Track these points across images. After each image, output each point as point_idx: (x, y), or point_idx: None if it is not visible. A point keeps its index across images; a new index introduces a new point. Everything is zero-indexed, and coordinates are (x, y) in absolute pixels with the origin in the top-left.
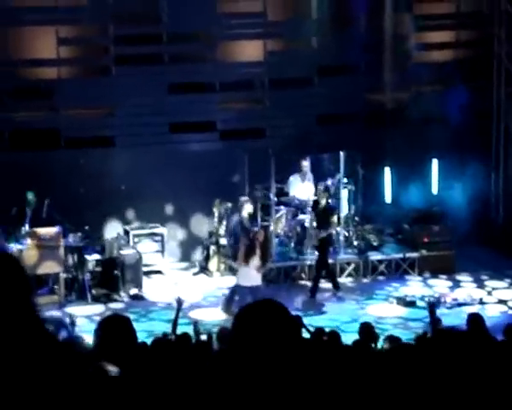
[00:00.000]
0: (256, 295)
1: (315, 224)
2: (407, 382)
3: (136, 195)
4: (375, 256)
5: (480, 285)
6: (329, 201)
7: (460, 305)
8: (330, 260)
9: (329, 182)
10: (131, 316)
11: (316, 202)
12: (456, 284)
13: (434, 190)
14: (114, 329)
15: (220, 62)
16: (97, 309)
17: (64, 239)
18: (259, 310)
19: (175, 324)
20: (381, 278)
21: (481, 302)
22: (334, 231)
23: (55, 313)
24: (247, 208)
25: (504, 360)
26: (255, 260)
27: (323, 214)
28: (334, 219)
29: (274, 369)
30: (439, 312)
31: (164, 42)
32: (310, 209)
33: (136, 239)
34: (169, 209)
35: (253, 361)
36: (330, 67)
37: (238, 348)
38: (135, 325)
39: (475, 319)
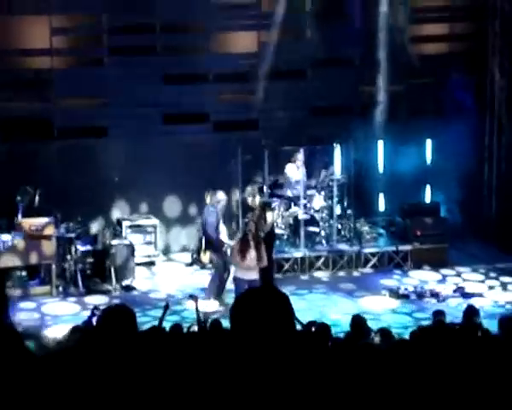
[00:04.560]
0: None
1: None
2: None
3: (129, 185)
4: (367, 249)
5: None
6: (261, 197)
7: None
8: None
9: (323, 174)
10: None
11: (249, 207)
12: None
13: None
14: (117, 321)
15: (214, 53)
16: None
17: (56, 230)
18: (260, 295)
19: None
20: (371, 271)
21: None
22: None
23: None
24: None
25: (500, 354)
26: (251, 254)
27: (262, 213)
28: (270, 215)
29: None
30: (432, 304)
31: (157, 32)
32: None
33: (128, 230)
34: (162, 200)
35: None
36: (324, 60)
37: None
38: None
39: (471, 311)
